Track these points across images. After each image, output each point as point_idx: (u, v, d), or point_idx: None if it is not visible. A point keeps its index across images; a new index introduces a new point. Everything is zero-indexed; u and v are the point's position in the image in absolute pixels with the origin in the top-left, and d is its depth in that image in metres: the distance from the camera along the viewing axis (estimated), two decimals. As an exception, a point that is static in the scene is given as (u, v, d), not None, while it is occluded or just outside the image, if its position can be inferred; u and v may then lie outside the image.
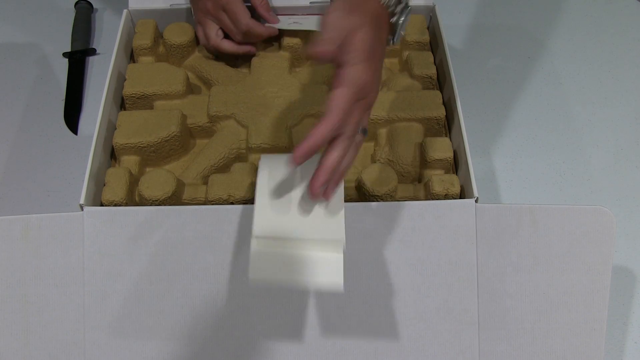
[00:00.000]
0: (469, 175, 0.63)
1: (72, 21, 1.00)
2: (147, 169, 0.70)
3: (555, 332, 0.62)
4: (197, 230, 0.60)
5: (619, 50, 1.01)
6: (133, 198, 0.66)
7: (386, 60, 0.81)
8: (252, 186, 0.64)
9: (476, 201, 0.61)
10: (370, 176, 0.64)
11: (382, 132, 0.72)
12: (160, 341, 0.60)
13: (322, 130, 0.48)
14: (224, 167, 0.70)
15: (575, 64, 0.99)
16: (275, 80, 0.75)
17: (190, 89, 0.77)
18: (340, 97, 0.48)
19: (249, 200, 0.63)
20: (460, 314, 0.61)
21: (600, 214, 0.61)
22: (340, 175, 0.53)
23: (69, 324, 0.60)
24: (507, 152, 0.88)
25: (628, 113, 0.93)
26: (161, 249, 0.60)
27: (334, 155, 0.50)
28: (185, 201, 0.65)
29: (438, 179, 0.65)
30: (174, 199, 0.64)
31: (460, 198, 0.65)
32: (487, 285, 0.61)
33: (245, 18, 0.74)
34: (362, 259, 0.61)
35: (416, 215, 0.61)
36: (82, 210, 0.60)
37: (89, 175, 0.63)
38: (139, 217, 0.60)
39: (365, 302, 0.61)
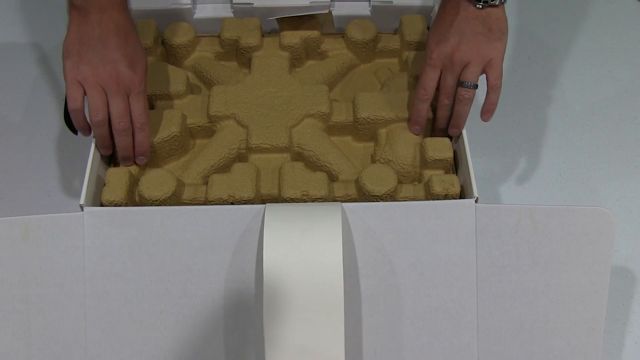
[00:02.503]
0: (469, 175, 0.63)
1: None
2: (147, 169, 0.70)
3: (554, 331, 0.62)
4: (197, 231, 0.60)
5: (619, 50, 1.01)
6: (133, 198, 0.66)
7: (386, 60, 0.81)
8: (255, 188, 0.64)
9: (476, 201, 0.61)
10: (370, 176, 0.64)
11: (382, 132, 0.72)
12: (160, 340, 0.60)
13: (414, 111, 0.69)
14: (224, 167, 0.70)
15: (575, 64, 0.99)
16: (275, 80, 0.75)
17: (191, 88, 0.76)
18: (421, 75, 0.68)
19: (250, 201, 0.63)
20: (459, 313, 0.61)
21: (599, 214, 0.61)
22: (453, 123, 0.68)
23: (71, 324, 0.60)
24: (507, 152, 0.88)
25: (628, 113, 0.93)
26: (161, 249, 0.60)
27: (437, 117, 0.69)
28: (185, 201, 0.65)
29: (438, 179, 0.65)
30: (174, 199, 0.64)
31: (460, 198, 0.65)
32: (486, 285, 0.61)
33: (147, 116, 0.65)
34: (362, 259, 0.61)
35: (416, 215, 0.61)
36: (82, 210, 0.60)
37: (89, 175, 0.63)
38: (139, 217, 0.60)
39: (365, 302, 0.61)
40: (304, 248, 0.58)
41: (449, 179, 0.65)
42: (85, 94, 0.62)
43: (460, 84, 0.65)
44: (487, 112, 0.67)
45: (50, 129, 0.89)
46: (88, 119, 0.64)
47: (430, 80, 0.66)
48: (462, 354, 0.61)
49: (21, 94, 0.93)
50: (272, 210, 0.60)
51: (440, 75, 0.66)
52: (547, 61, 0.99)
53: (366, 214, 0.61)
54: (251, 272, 0.61)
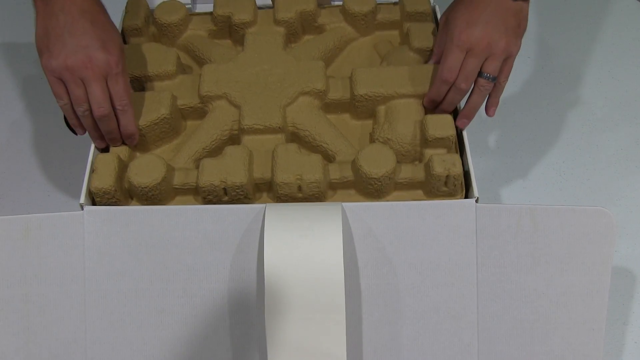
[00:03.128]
0: (469, 175, 0.63)
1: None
2: (137, 154, 0.68)
3: (554, 332, 0.62)
4: (197, 230, 0.60)
5: (619, 50, 1.01)
6: (122, 185, 0.63)
7: (386, 33, 0.78)
8: (248, 173, 0.63)
9: (476, 201, 0.61)
10: (367, 157, 0.61)
11: (381, 109, 0.69)
12: (160, 340, 0.60)
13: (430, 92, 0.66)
14: (216, 150, 0.68)
15: (575, 64, 0.99)
16: (268, 57, 0.71)
17: (182, 69, 0.74)
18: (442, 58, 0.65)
19: (242, 186, 0.62)
20: (459, 313, 0.61)
21: (600, 215, 0.61)
22: (466, 113, 0.66)
23: (70, 323, 0.60)
24: (507, 152, 0.88)
25: (628, 113, 0.93)
26: (161, 248, 0.60)
27: (446, 98, 0.66)
28: (176, 186, 0.63)
29: (439, 158, 0.61)
30: (164, 185, 0.62)
31: (465, 180, 0.63)
32: (486, 285, 0.61)
33: (128, 96, 0.63)
34: (362, 259, 0.61)
35: (416, 215, 0.61)
36: (82, 209, 0.60)
37: (89, 175, 0.63)
38: (139, 216, 0.60)
39: (365, 302, 0.61)
40: (304, 248, 0.58)
41: (450, 158, 0.61)
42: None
43: (479, 73, 0.63)
44: (492, 105, 0.67)
45: (50, 128, 0.89)
46: None
47: (457, 61, 0.63)
48: (462, 354, 0.61)
49: (21, 94, 0.93)
50: (273, 210, 0.60)
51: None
52: (547, 61, 0.99)
53: (366, 214, 0.61)
54: (252, 271, 0.61)
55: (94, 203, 0.63)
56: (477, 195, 0.62)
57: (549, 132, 0.90)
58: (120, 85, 0.62)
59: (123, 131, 0.65)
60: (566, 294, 0.62)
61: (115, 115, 0.63)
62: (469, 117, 0.66)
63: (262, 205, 0.60)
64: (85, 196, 0.61)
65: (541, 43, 1.02)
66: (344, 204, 0.61)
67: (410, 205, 0.61)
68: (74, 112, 0.63)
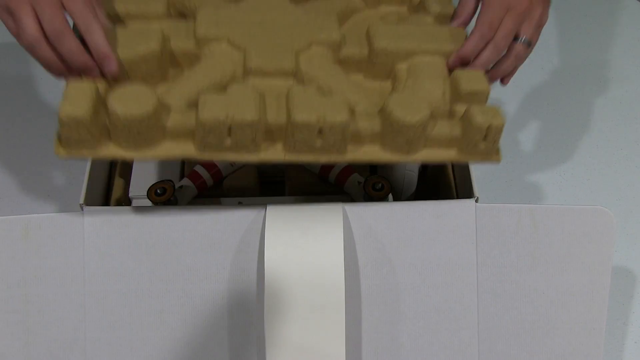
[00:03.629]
0: (469, 175, 0.63)
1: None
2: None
3: (555, 332, 0.62)
4: (197, 230, 0.61)
5: (619, 50, 1.01)
6: (100, 118, 0.51)
7: (394, 9, 0.71)
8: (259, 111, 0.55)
9: (476, 201, 0.61)
10: (399, 102, 0.54)
11: (402, 67, 0.61)
12: (160, 340, 0.60)
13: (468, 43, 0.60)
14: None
15: (576, 64, 0.99)
16: (275, 6, 0.63)
17: (171, 13, 0.63)
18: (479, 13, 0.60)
19: (252, 125, 0.52)
20: (459, 313, 0.61)
21: (600, 214, 0.61)
22: (491, 75, 0.62)
23: (70, 323, 0.60)
24: (507, 152, 0.88)
25: (628, 113, 0.93)
26: (161, 249, 0.60)
27: (481, 56, 0.60)
28: (170, 128, 0.53)
29: (479, 109, 0.55)
30: (155, 121, 0.51)
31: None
32: (486, 285, 0.61)
33: (91, 12, 0.53)
34: (362, 259, 0.61)
35: (416, 215, 0.61)
36: (82, 210, 0.60)
37: (89, 175, 0.63)
38: (139, 216, 0.60)
39: (365, 302, 0.61)
40: (305, 248, 0.59)
41: (490, 109, 0.55)
42: None
43: (515, 37, 0.60)
44: (510, 75, 0.64)
45: (50, 128, 0.89)
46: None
47: (498, 18, 0.59)
48: (463, 353, 0.61)
49: (21, 93, 0.93)
50: (273, 211, 0.60)
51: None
52: (547, 61, 0.99)
53: (366, 214, 0.61)
54: (252, 272, 0.61)
55: (59, 138, 0.52)
56: (477, 195, 0.62)
57: (549, 132, 0.90)
58: (78, 1, 0.52)
59: (95, 53, 0.53)
60: (566, 293, 0.62)
61: (82, 41, 0.53)
62: (493, 78, 0.63)
63: (262, 207, 0.61)
64: (85, 196, 0.61)
65: (541, 43, 1.02)
66: (344, 205, 0.61)
67: (410, 205, 0.61)
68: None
